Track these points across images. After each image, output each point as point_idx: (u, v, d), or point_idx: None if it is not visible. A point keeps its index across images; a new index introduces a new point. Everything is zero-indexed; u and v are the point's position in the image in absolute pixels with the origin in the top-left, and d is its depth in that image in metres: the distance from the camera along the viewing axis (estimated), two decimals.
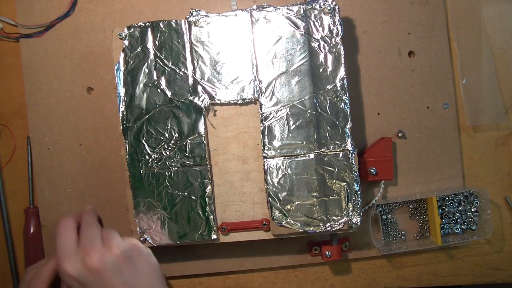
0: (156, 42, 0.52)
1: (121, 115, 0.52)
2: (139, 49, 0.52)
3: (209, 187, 0.52)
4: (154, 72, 0.52)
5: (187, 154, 0.52)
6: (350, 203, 0.51)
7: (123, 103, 0.52)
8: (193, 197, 0.52)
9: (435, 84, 0.59)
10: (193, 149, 0.52)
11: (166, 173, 0.52)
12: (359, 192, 0.51)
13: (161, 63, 0.52)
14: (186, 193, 0.52)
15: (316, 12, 0.51)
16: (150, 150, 0.52)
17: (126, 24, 0.52)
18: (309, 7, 0.51)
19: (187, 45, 0.52)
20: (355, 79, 0.58)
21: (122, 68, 0.52)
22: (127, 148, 0.52)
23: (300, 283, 0.59)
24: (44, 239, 0.58)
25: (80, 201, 0.58)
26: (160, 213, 0.52)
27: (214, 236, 0.52)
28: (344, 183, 0.51)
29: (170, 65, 0.52)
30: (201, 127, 0.52)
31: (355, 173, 0.51)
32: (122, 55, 0.52)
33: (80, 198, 0.58)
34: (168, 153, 0.52)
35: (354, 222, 0.50)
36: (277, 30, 0.52)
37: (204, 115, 0.52)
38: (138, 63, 0.52)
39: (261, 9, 0.52)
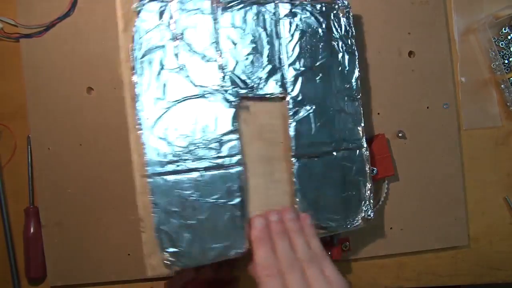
0: (180, 22, 0.44)
1: (138, 107, 0.42)
2: (159, 27, 0.43)
3: (240, 191, 0.45)
4: (178, 57, 0.44)
5: (219, 154, 0.44)
6: (366, 198, 0.52)
7: (142, 92, 0.42)
8: (223, 204, 0.44)
9: (435, 84, 0.59)
10: (222, 148, 0.45)
11: (196, 177, 0.43)
12: (372, 187, 0.52)
13: (187, 46, 0.44)
14: (215, 200, 0.44)
15: (334, 11, 0.52)
16: (175, 150, 0.43)
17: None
18: (329, 6, 0.52)
19: (215, 29, 0.45)
20: None
21: (138, 50, 0.43)
22: (146, 148, 0.42)
23: None
24: (44, 239, 0.58)
25: (81, 201, 0.57)
26: (186, 227, 0.42)
27: (245, 248, 0.44)
28: (361, 179, 0.52)
29: (196, 49, 0.44)
30: (231, 124, 0.45)
31: (369, 169, 0.52)
32: (138, 33, 0.43)
33: (81, 198, 0.57)
34: (195, 153, 0.44)
35: (369, 214, 0.52)
36: (303, 24, 0.50)
37: (234, 110, 0.46)
38: (158, 44, 0.43)
39: (288, 1, 0.50)
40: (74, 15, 0.57)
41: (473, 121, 0.60)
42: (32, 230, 0.57)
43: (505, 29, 0.60)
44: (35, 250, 0.57)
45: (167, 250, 0.41)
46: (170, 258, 0.41)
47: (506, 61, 0.60)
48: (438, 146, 0.59)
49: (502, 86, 0.60)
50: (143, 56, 0.42)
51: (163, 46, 0.43)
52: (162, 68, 0.43)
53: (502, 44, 0.60)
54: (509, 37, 0.60)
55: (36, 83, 0.57)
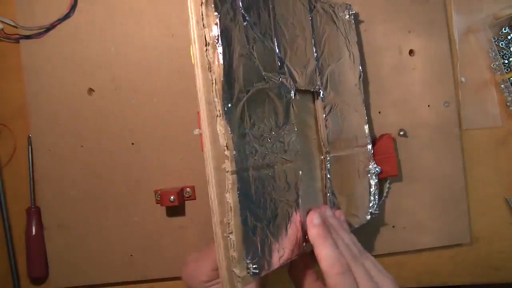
0: (244, 2, 0.38)
1: (221, 91, 0.35)
2: (228, 5, 0.37)
3: (302, 188, 0.42)
4: (246, 39, 0.38)
5: (285, 148, 0.40)
6: (372, 195, 0.54)
7: (224, 74, 0.35)
8: (290, 203, 0.40)
9: (435, 82, 0.59)
10: (289, 142, 0.41)
11: (270, 173, 0.39)
12: (377, 182, 0.54)
13: (251, 29, 0.39)
14: (285, 199, 0.40)
15: (343, 12, 0.54)
16: (256, 143, 0.37)
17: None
18: (341, 7, 0.53)
19: (272, 14, 0.42)
20: None
21: (219, 26, 0.35)
22: (233, 139, 0.35)
23: None
24: (47, 241, 0.57)
25: (83, 203, 0.57)
26: (265, 229, 0.37)
27: (306, 247, 0.41)
28: (369, 176, 0.53)
29: (259, 34, 0.40)
30: (291, 117, 0.42)
31: (374, 167, 0.54)
32: (218, 8, 0.36)
33: (83, 200, 0.57)
34: (270, 146, 0.39)
35: (375, 209, 0.54)
36: (327, 22, 0.51)
37: (291, 103, 0.42)
38: (229, 22, 0.37)
39: None
40: (74, 16, 0.57)
41: (473, 121, 0.60)
42: (34, 230, 0.57)
43: (505, 29, 0.60)
44: (37, 250, 0.57)
45: (253, 257, 0.35)
46: (255, 266, 0.35)
47: (506, 61, 0.60)
48: (439, 144, 0.59)
49: (502, 86, 0.60)
50: (223, 34, 0.35)
51: (235, 27, 0.37)
52: (237, 52, 0.37)
53: (502, 44, 0.60)
54: (509, 37, 0.60)
55: (36, 85, 0.57)
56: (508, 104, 0.60)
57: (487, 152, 0.60)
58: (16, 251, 0.59)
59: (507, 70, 0.60)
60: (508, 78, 0.59)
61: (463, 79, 0.60)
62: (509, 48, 0.60)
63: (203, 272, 0.43)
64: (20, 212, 0.58)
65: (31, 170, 0.58)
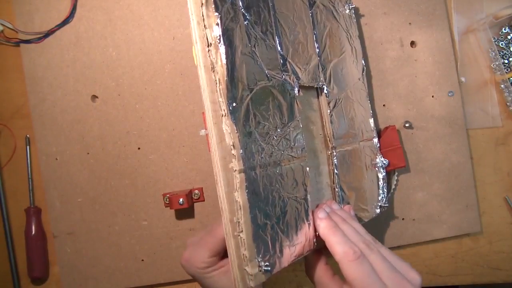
0: (244, 1, 0.39)
1: (226, 91, 0.35)
2: (228, 5, 0.37)
3: (309, 184, 0.42)
4: (248, 38, 0.38)
5: (291, 145, 0.41)
6: (380, 188, 0.53)
7: (227, 74, 0.35)
8: (299, 200, 0.41)
9: (438, 72, 0.59)
10: (295, 138, 0.41)
11: (277, 171, 0.39)
12: (385, 176, 0.54)
13: (252, 28, 0.39)
14: (293, 196, 0.40)
15: (343, 6, 0.54)
16: (262, 141, 0.38)
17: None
18: (341, 2, 0.53)
19: (272, 12, 0.42)
20: None
21: (220, 26, 0.35)
22: (239, 138, 0.35)
23: (300, 283, 0.59)
24: (57, 249, 0.57)
25: (91, 209, 0.57)
26: (275, 226, 0.38)
27: (316, 242, 0.42)
28: (376, 169, 0.53)
29: (260, 32, 0.40)
30: (296, 112, 0.42)
31: (381, 160, 0.54)
32: (216, 13, 0.36)
33: (90, 207, 0.57)
34: (276, 144, 0.39)
35: (384, 202, 0.53)
36: (327, 17, 0.51)
37: (295, 100, 0.42)
38: (230, 22, 0.37)
39: None
40: (74, 23, 0.57)
41: (473, 121, 0.60)
42: (33, 230, 0.57)
43: (505, 29, 0.60)
44: (37, 249, 0.57)
45: (264, 254, 0.36)
46: (267, 263, 0.36)
47: (506, 61, 0.60)
48: (445, 134, 0.59)
49: (502, 86, 0.60)
50: (224, 34, 0.35)
51: (236, 26, 0.37)
52: (239, 51, 0.37)
53: (502, 44, 0.60)
54: (509, 37, 0.60)
55: (40, 94, 0.57)
56: (508, 104, 0.60)
57: (487, 152, 0.60)
58: (16, 251, 0.59)
59: (507, 70, 0.60)
60: (508, 78, 0.59)
61: (463, 79, 0.60)
62: (509, 48, 0.60)
63: (200, 259, 0.42)
64: (20, 212, 0.58)
65: (29, 170, 0.58)
